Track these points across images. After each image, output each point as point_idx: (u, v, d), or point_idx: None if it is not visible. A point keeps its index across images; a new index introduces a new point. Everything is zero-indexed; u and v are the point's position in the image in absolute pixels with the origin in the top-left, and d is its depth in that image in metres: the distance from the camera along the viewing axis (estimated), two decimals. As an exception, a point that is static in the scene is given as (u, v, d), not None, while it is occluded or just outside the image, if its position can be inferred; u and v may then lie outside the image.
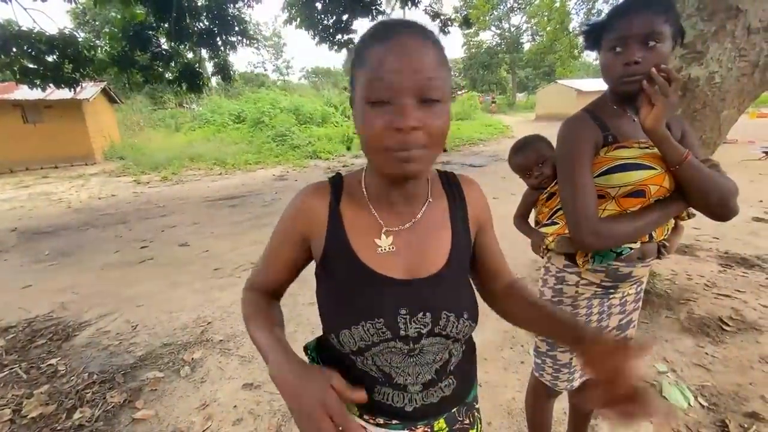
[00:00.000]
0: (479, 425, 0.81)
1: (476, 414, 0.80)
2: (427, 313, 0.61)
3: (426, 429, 0.70)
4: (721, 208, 0.98)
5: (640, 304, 1.24)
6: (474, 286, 0.73)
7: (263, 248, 0.74)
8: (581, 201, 0.96)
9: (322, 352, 0.75)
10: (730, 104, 1.97)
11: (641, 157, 0.97)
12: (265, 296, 0.73)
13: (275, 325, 0.66)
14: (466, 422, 0.76)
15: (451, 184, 0.71)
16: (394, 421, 0.68)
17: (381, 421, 0.69)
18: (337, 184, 0.68)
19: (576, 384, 1.25)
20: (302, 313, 2.72)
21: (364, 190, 0.66)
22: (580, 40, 1.10)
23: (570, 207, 0.98)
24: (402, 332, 0.61)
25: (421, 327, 0.61)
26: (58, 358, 2.45)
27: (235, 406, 1.98)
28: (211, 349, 2.48)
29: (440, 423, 0.71)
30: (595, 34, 1.00)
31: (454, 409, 0.73)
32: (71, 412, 1.97)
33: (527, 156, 1.27)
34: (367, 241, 0.64)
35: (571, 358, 1.19)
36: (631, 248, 1.03)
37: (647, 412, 0.51)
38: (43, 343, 2.64)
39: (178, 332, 2.71)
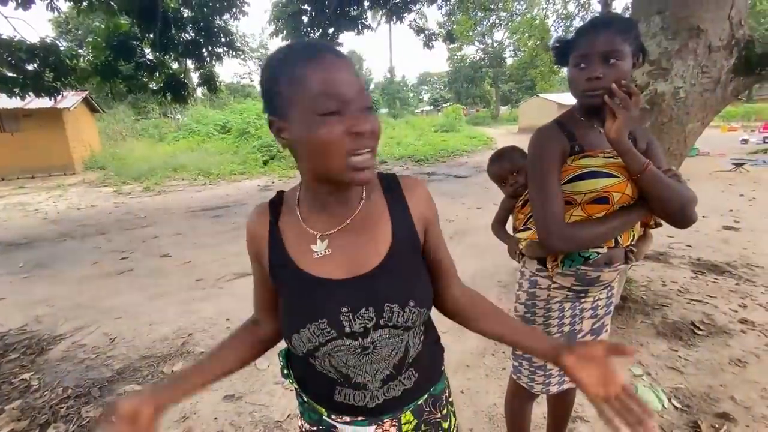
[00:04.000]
0: (453, 419, 0.83)
1: (449, 408, 0.82)
2: (370, 308, 0.64)
3: (393, 422, 0.72)
4: (681, 216, 1.03)
5: (612, 308, 1.28)
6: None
7: (246, 259, 0.76)
8: (549, 207, 1.01)
9: (289, 360, 0.79)
10: (695, 118, 2.08)
11: (605, 165, 1.03)
12: (253, 321, 0.80)
13: (211, 355, 0.74)
14: (437, 416, 0.78)
15: (391, 184, 0.73)
16: (359, 418, 0.71)
17: (347, 418, 0.71)
18: (275, 202, 0.72)
19: (553, 389, 1.27)
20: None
21: (297, 202, 0.70)
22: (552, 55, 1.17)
23: (538, 212, 1.03)
24: (347, 329, 0.63)
25: (366, 321, 0.64)
26: (32, 373, 2.37)
27: (215, 418, 1.95)
28: (192, 360, 2.44)
29: (407, 416, 0.73)
30: (563, 51, 1.06)
31: (421, 401, 0.75)
32: (44, 427, 1.91)
33: (502, 166, 1.35)
34: (304, 248, 0.67)
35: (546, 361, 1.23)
36: (598, 253, 1.08)
37: (644, 411, 0.58)
38: (16, 358, 2.55)
39: (158, 344, 2.65)
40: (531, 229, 1.18)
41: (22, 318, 3.11)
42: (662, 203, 1.01)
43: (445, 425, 0.80)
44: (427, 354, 0.75)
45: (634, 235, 1.14)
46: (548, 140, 1.06)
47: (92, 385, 2.23)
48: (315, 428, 0.76)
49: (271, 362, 2.36)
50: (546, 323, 1.19)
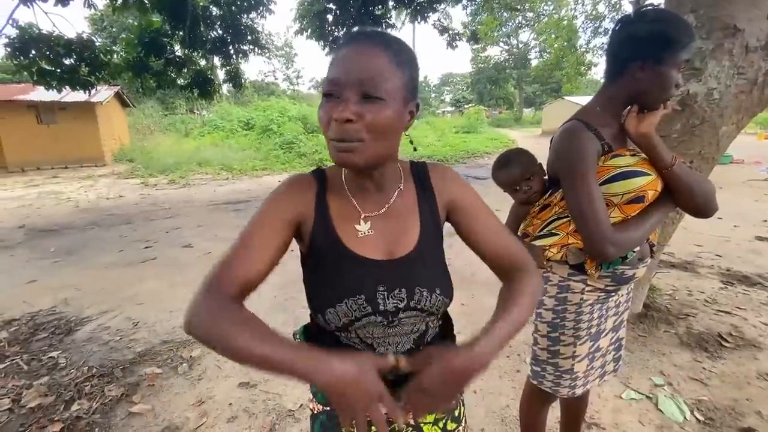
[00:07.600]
0: (462, 407, 0.85)
1: (460, 396, 0.83)
2: (403, 289, 0.67)
3: None
4: (706, 207, 1.03)
5: (629, 304, 1.26)
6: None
7: None
8: (599, 214, 0.97)
9: (309, 336, 0.80)
10: (729, 120, 1.99)
11: (637, 164, 1.00)
12: (235, 302, 0.62)
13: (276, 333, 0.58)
14: None
15: (420, 173, 0.76)
16: None
17: None
18: (321, 176, 0.73)
19: (579, 391, 1.23)
20: (288, 307, 2.74)
21: (343, 180, 0.72)
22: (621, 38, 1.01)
23: (588, 220, 0.98)
24: (381, 307, 0.67)
25: (398, 302, 0.67)
26: (59, 351, 2.48)
27: (230, 404, 1.99)
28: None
29: None
30: (660, 44, 0.93)
31: None
32: (69, 403, 2.00)
33: (513, 172, 1.23)
34: (348, 227, 0.70)
35: (573, 365, 1.19)
36: (633, 251, 1.06)
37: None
38: (45, 337, 2.68)
39: (178, 330, 2.73)
40: (557, 234, 1.12)
41: (52, 300, 3.26)
42: (690, 195, 1.01)
43: (457, 413, 0.83)
44: (441, 338, 0.78)
45: None
46: (584, 142, 1.00)
47: (115, 365, 2.31)
48: (329, 408, 0.77)
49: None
50: (576, 327, 1.15)
